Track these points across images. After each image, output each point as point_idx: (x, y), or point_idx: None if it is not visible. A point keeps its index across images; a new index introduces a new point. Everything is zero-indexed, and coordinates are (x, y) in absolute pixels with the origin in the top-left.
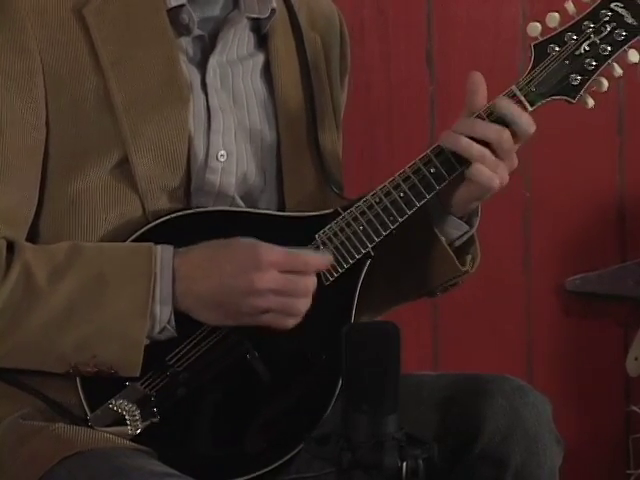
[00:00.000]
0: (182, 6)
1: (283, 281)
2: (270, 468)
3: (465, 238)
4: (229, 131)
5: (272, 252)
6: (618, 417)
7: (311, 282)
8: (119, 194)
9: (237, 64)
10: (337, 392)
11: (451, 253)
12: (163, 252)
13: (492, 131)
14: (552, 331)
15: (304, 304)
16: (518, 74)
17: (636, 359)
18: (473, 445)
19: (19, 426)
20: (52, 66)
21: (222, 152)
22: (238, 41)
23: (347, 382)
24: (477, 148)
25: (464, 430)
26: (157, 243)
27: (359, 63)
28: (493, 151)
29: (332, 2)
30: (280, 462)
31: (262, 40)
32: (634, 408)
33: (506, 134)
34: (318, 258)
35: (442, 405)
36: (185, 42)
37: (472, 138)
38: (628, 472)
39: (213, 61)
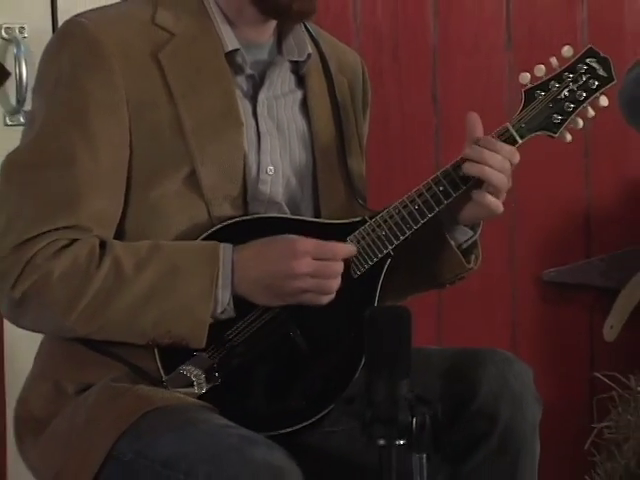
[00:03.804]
0: (237, 50)
1: (316, 266)
2: (308, 422)
3: (470, 242)
4: (275, 151)
5: (306, 242)
6: (585, 382)
7: (339, 266)
8: (189, 201)
9: (280, 98)
10: (362, 362)
11: (459, 254)
12: (225, 249)
13: (501, 161)
14: (532, 314)
15: (335, 284)
16: (504, 111)
17: (612, 327)
18: (470, 404)
19: (110, 387)
20: (134, 98)
21: (270, 167)
22: (281, 80)
23: (369, 354)
24: (498, 176)
25: (463, 392)
26: (220, 242)
27: (378, 101)
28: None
29: (355, 52)
30: (316, 417)
31: (300, 80)
32: (597, 374)
33: (508, 165)
34: (344, 247)
35: (445, 372)
36: (240, 79)
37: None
38: (592, 425)
39: (262, 95)
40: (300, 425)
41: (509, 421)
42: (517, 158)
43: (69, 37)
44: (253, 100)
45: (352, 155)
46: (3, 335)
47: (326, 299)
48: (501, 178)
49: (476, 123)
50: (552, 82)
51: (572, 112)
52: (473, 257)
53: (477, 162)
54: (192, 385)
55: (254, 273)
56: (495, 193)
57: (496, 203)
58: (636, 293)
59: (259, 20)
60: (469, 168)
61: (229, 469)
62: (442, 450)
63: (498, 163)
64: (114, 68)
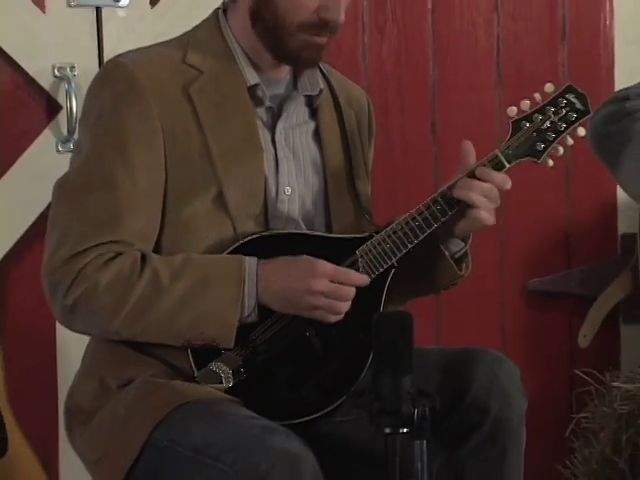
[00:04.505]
0: (258, 85)
1: (331, 288)
2: (322, 413)
3: (462, 252)
4: (291, 174)
5: (325, 266)
6: (565, 378)
7: (351, 291)
8: (217, 219)
9: (296, 128)
10: (369, 360)
11: (452, 263)
12: (250, 261)
13: (488, 189)
14: (519, 318)
15: (344, 306)
16: (494, 140)
17: (585, 336)
18: (465, 397)
19: (148, 382)
20: (168, 128)
21: (287, 188)
22: (297, 112)
23: (376, 353)
24: (482, 200)
25: (458, 387)
26: (245, 255)
27: (383, 131)
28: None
29: (361, 88)
30: (329, 409)
31: (313, 112)
32: (576, 371)
33: (495, 191)
34: (358, 275)
35: (442, 369)
36: (260, 111)
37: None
38: (572, 416)
39: (280, 126)
40: (315, 415)
41: (499, 413)
42: (509, 184)
43: (110, 75)
44: (272, 129)
45: (359, 178)
46: (55, 337)
47: (334, 318)
48: (484, 201)
49: (470, 151)
50: (536, 114)
51: (553, 141)
52: (464, 265)
53: (467, 189)
54: (221, 381)
55: (276, 286)
56: (485, 210)
57: (487, 217)
58: (605, 306)
59: (275, 63)
60: (458, 192)
61: (252, 456)
62: (440, 437)
63: (485, 190)
64: (150, 101)
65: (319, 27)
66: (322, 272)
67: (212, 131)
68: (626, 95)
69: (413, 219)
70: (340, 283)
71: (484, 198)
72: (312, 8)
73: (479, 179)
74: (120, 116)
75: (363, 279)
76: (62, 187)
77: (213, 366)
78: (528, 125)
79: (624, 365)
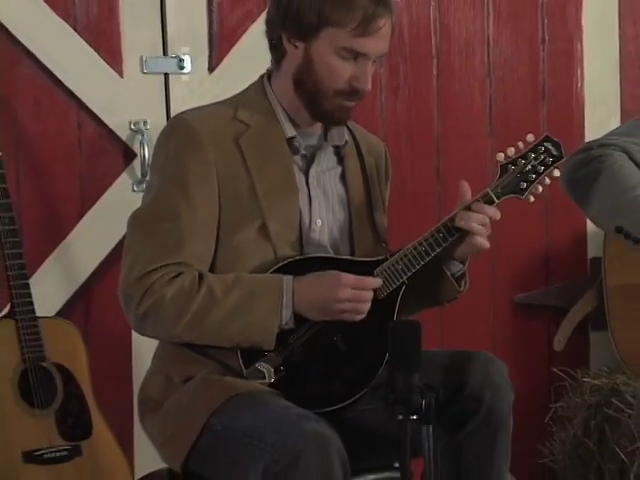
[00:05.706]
0: (295, 137)
1: (353, 294)
2: (346, 403)
3: (460, 272)
4: (322, 209)
5: (348, 277)
6: (545, 374)
7: (370, 295)
8: (261, 245)
9: (326, 172)
10: (385, 360)
11: (453, 281)
12: (287, 279)
13: (483, 219)
14: (506, 325)
15: (366, 307)
16: (486, 180)
17: (559, 341)
18: (463, 390)
19: (206, 378)
20: (221, 171)
21: (319, 220)
22: (326, 159)
23: (391, 354)
24: (480, 228)
25: (458, 382)
26: (284, 274)
27: (397, 174)
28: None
29: (380, 140)
30: (352, 399)
31: (340, 159)
32: (554, 369)
33: (487, 221)
34: (374, 280)
35: (445, 367)
36: (296, 158)
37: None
38: (550, 406)
39: (312, 170)
40: (340, 405)
41: (491, 403)
42: (498, 215)
43: (175, 128)
44: (306, 173)
45: (377, 212)
46: (131, 341)
47: (359, 317)
48: (480, 229)
49: (467, 189)
50: (519, 159)
51: (534, 181)
52: (463, 283)
53: (467, 219)
54: (264, 377)
55: (309, 297)
56: (481, 236)
57: (483, 242)
58: (576, 317)
59: (310, 120)
60: (460, 222)
61: (289, 438)
62: (443, 423)
63: (480, 220)
64: (207, 150)
65: (351, 94)
66: (345, 283)
67: (257, 174)
68: (591, 146)
69: (420, 245)
70: (360, 289)
71: (481, 226)
72: (346, 78)
73: (475, 212)
74: (183, 161)
75: (377, 282)
76: (135, 219)
77: (258, 365)
78: (513, 168)
79: (592, 364)
